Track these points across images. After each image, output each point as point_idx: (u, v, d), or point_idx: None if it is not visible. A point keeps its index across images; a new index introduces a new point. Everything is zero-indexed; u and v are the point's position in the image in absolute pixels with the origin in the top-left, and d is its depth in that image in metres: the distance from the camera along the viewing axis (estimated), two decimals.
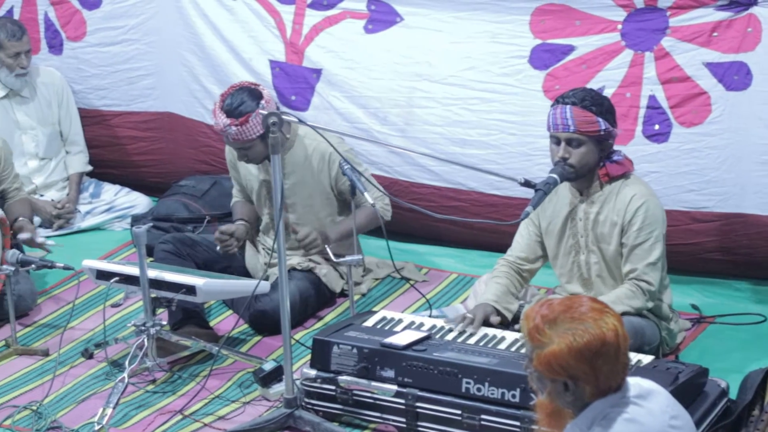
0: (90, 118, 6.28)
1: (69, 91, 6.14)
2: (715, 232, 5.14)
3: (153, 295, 4.53)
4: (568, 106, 4.37)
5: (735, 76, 5.01)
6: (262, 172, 5.12)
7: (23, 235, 5.11)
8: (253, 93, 4.91)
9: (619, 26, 5.19)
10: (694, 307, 5.01)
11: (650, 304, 4.42)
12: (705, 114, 5.08)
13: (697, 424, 3.76)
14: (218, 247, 5.04)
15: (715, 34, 5.02)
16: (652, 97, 5.16)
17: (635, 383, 2.89)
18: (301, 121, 4.42)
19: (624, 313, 4.18)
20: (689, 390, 3.90)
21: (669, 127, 5.15)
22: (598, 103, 4.38)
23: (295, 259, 5.09)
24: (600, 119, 4.35)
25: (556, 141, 4.42)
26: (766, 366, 4.00)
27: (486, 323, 4.39)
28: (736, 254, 5.15)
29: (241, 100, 4.87)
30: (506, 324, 4.47)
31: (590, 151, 4.38)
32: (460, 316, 4.43)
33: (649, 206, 4.40)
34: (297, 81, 5.78)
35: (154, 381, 4.58)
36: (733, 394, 4.08)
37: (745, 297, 5.08)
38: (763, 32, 4.91)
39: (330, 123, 5.57)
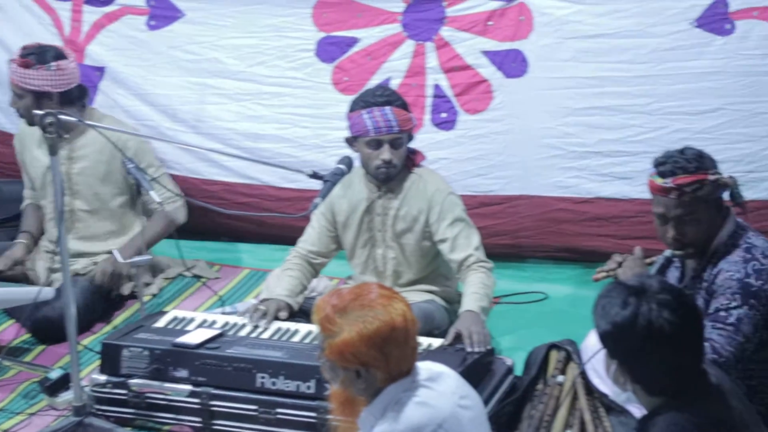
0: None
1: None
2: (502, 214, 5.27)
3: None
4: (387, 107, 4.23)
5: (512, 64, 5.14)
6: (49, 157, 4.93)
7: None
8: (53, 52, 4.81)
9: (399, 17, 5.25)
10: None
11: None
12: (487, 101, 5.20)
13: (486, 401, 3.85)
14: None
15: (490, 23, 5.14)
16: (437, 86, 5.25)
17: (426, 367, 2.94)
18: (80, 122, 4.27)
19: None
20: (477, 370, 4.00)
21: (455, 115, 5.25)
22: (402, 98, 4.33)
23: (80, 264, 4.95)
24: (411, 114, 4.35)
25: (376, 145, 4.26)
26: (548, 342, 4.13)
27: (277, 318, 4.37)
28: (521, 236, 5.30)
29: (37, 50, 4.80)
30: (295, 316, 4.46)
31: (405, 148, 4.37)
32: (251, 307, 4.39)
33: (452, 199, 4.40)
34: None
35: None
36: (519, 371, 4.19)
37: (528, 276, 5.23)
38: (534, 20, 5.07)
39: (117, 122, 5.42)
